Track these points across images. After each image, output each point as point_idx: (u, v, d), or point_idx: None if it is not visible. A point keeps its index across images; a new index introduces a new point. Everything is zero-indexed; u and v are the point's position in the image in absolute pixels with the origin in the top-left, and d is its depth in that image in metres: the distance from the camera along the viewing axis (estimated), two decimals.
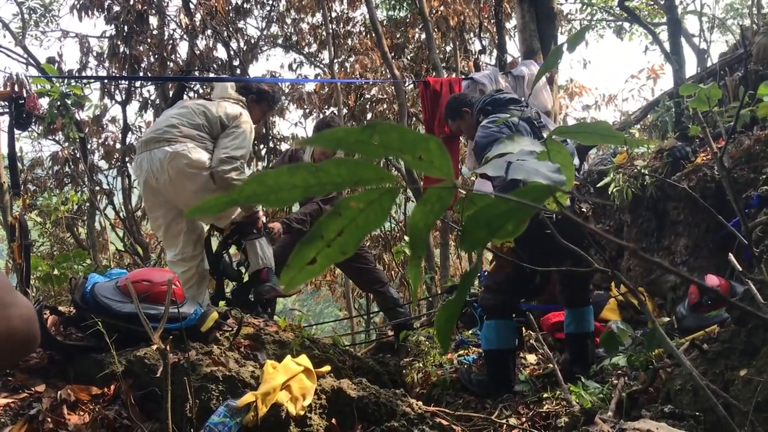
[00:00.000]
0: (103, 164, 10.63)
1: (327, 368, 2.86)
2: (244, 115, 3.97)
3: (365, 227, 0.66)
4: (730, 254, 2.27)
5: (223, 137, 3.84)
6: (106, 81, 9.98)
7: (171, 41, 9.98)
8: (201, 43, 10.26)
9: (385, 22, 12.24)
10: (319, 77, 12.27)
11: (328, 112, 11.18)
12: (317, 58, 12.37)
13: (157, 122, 3.98)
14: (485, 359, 3.67)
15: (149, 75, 9.97)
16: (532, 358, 4.07)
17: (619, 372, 3.27)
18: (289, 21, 11.97)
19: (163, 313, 2.29)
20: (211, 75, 9.83)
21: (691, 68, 8.80)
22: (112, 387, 2.46)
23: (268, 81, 4.31)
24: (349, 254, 0.68)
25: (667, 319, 3.57)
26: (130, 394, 2.40)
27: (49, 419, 2.23)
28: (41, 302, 2.79)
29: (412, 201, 10.57)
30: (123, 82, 10.14)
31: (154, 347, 2.11)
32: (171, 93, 9.66)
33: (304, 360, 2.70)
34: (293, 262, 0.66)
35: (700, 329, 3.43)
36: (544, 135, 3.37)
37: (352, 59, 11.56)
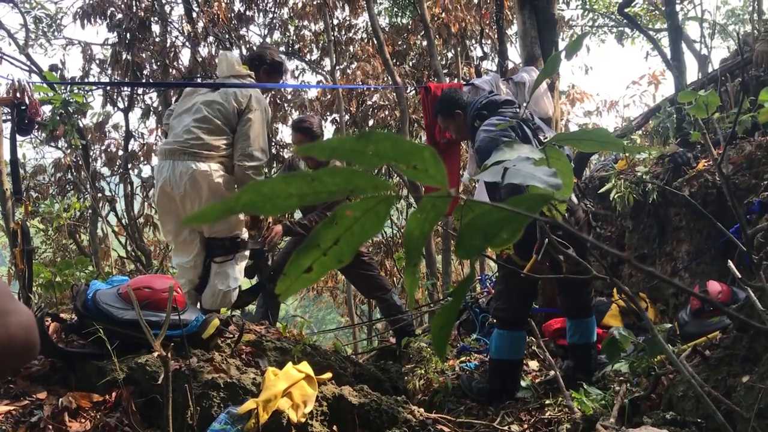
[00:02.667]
0: (105, 171, 10.65)
1: (328, 375, 2.86)
2: (254, 96, 3.90)
3: (361, 235, 0.66)
4: (729, 261, 2.27)
5: (240, 126, 3.81)
6: (108, 88, 10.01)
7: (173, 48, 10.01)
8: (203, 50, 10.29)
9: (387, 28, 12.28)
10: (321, 84, 12.29)
11: (330, 119, 11.20)
12: (319, 65, 12.39)
13: (177, 131, 3.88)
14: (493, 368, 3.62)
15: (151, 81, 10.00)
16: (533, 364, 4.06)
17: (621, 378, 3.26)
18: (291, 28, 12.00)
19: (164, 320, 2.30)
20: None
21: (692, 74, 8.82)
22: (114, 394, 2.47)
23: (268, 87, 4.26)
24: (346, 262, 0.68)
25: (669, 325, 3.56)
26: (132, 401, 2.40)
27: (50, 426, 2.24)
28: (43, 309, 2.80)
29: (415, 208, 10.56)
30: (125, 88, 10.16)
31: (156, 354, 2.11)
32: (174, 100, 9.67)
33: (305, 367, 2.70)
34: (290, 270, 0.67)
35: (702, 335, 3.43)
36: (540, 137, 3.38)
37: (353, 66, 11.58)
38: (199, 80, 9.79)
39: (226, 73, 4.04)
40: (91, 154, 10.01)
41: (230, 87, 3.86)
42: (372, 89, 10.86)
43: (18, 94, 3.81)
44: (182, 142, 3.76)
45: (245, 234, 4.00)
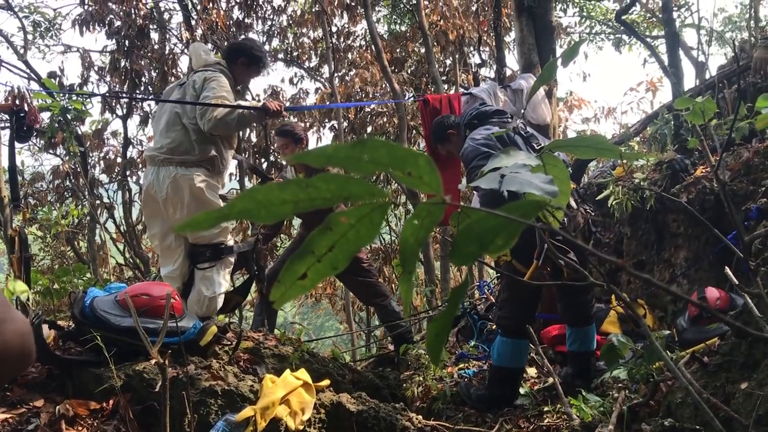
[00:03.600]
0: (103, 178, 10.66)
1: (326, 382, 2.85)
2: (210, 73, 3.90)
3: (356, 242, 0.66)
4: (726, 268, 2.27)
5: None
6: (107, 96, 10.03)
7: (172, 55, 10.03)
8: None
9: (385, 36, 12.32)
10: (319, 91, 12.32)
11: (328, 126, 11.23)
12: (318, 72, 12.43)
13: (156, 137, 3.92)
14: (492, 374, 3.61)
15: (150, 89, 10.02)
16: (532, 371, 4.05)
17: (619, 385, 3.25)
18: (290, 36, 12.04)
19: (161, 327, 2.29)
20: None
21: (689, 81, 8.84)
22: (111, 401, 2.46)
23: (298, 109, 4.27)
24: (340, 269, 0.68)
25: (668, 331, 3.55)
26: (129, 409, 2.39)
27: None
28: (40, 316, 2.79)
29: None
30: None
31: (153, 361, 2.11)
32: None
33: (303, 374, 2.70)
34: (284, 277, 0.67)
35: (701, 342, 3.42)
36: (534, 145, 3.40)
37: (352, 73, 11.62)
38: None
39: (197, 66, 4.05)
40: (90, 161, 10.02)
41: (242, 108, 3.83)
42: (370, 99, 10.88)
43: (17, 101, 3.80)
44: (159, 148, 3.79)
45: (230, 241, 4.00)
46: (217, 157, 3.88)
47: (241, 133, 9.65)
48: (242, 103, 3.86)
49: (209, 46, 9.78)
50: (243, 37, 10.22)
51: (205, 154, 3.81)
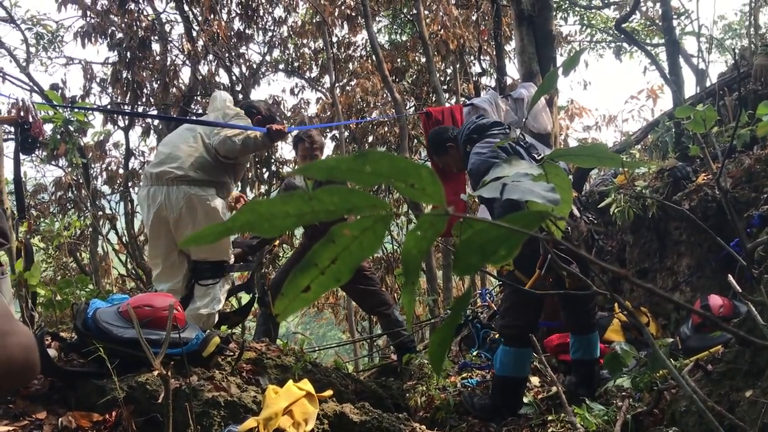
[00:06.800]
0: (106, 189, 10.68)
1: (329, 392, 2.85)
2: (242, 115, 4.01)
3: (359, 254, 0.66)
4: (729, 276, 2.27)
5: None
6: (108, 106, 10.06)
7: (173, 67, 10.07)
8: (203, 69, 10.37)
9: (386, 46, 12.36)
10: (320, 101, 12.36)
11: (329, 135, 11.26)
12: (318, 83, 12.46)
13: (166, 153, 3.88)
14: (496, 384, 3.59)
15: (152, 100, 10.05)
16: (535, 380, 4.04)
17: (623, 394, 3.24)
18: (291, 46, 12.08)
19: (164, 338, 2.29)
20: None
21: (690, 88, 8.84)
22: (114, 413, 2.45)
23: (300, 129, 4.33)
24: (344, 281, 0.68)
25: (671, 339, 3.54)
26: (132, 421, 2.39)
27: None
28: (43, 328, 2.79)
29: (415, 224, 10.55)
30: (126, 107, 10.21)
31: (156, 373, 2.10)
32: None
33: (306, 384, 2.69)
34: (287, 290, 0.67)
35: (705, 349, 3.41)
36: (534, 155, 3.40)
37: (353, 83, 11.65)
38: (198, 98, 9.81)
39: (214, 111, 4.09)
40: (92, 172, 10.05)
41: (238, 128, 3.85)
42: (371, 109, 10.91)
43: (21, 113, 3.82)
44: (172, 161, 3.75)
45: (232, 259, 4.02)
46: (225, 184, 3.93)
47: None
48: (248, 126, 3.91)
49: (210, 56, 9.83)
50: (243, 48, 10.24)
51: (217, 177, 3.85)
